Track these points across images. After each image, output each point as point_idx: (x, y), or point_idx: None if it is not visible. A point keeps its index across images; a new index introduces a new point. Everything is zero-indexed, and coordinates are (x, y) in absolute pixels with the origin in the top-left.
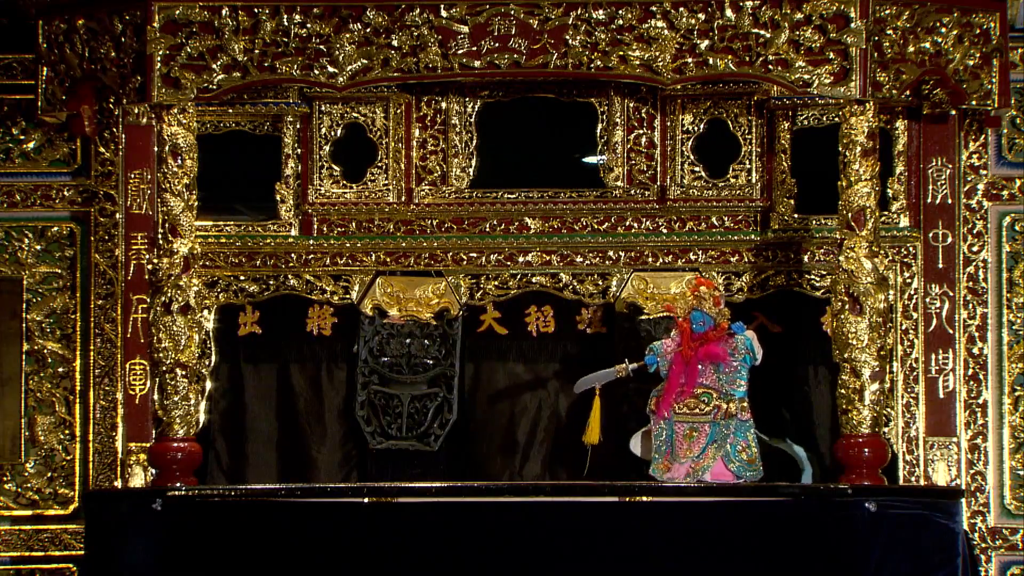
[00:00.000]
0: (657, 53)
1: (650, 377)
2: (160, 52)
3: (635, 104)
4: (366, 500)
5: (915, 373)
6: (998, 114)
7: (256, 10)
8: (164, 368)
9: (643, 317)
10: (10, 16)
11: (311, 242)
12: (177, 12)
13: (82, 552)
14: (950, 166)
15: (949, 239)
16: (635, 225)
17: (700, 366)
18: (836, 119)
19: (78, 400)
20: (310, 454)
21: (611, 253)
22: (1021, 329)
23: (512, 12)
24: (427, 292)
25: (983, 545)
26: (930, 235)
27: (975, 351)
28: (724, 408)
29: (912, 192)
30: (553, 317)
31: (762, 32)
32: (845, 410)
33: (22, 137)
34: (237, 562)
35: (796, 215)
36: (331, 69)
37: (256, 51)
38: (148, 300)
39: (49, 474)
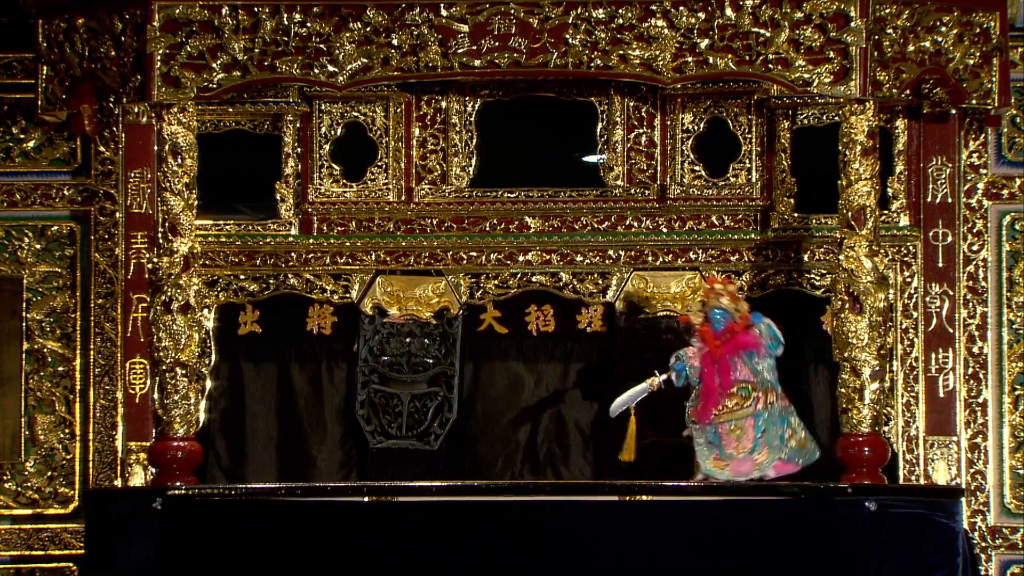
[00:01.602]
0: (657, 52)
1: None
2: (160, 51)
3: (635, 103)
4: (366, 499)
5: (915, 372)
6: (998, 113)
7: (256, 9)
8: (164, 367)
9: (643, 316)
10: (10, 15)
11: (311, 241)
12: (177, 11)
13: (82, 551)
14: (950, 165)
15: (949, 238)
16: (635, 224)
17: (731, 360)
18: (836, 118)
19: (78, 399)
20: (310, 453)
21: (611, 252)
22: (1021, 328)
23: (512, 11)
24: (427, 291)
25: (983, 544)
26: (930, 234)
27: (975, 350)
28: (764, 397)
29: (912, 191)
30: (553, 316)
31: (762, 31)
32: (845, 409)
33: (22, 136)
34: (237, 561)
35: (796, 214)
36: (331, 68)
37: (256, 50)
38: (148, 299)
39: (49, 473)
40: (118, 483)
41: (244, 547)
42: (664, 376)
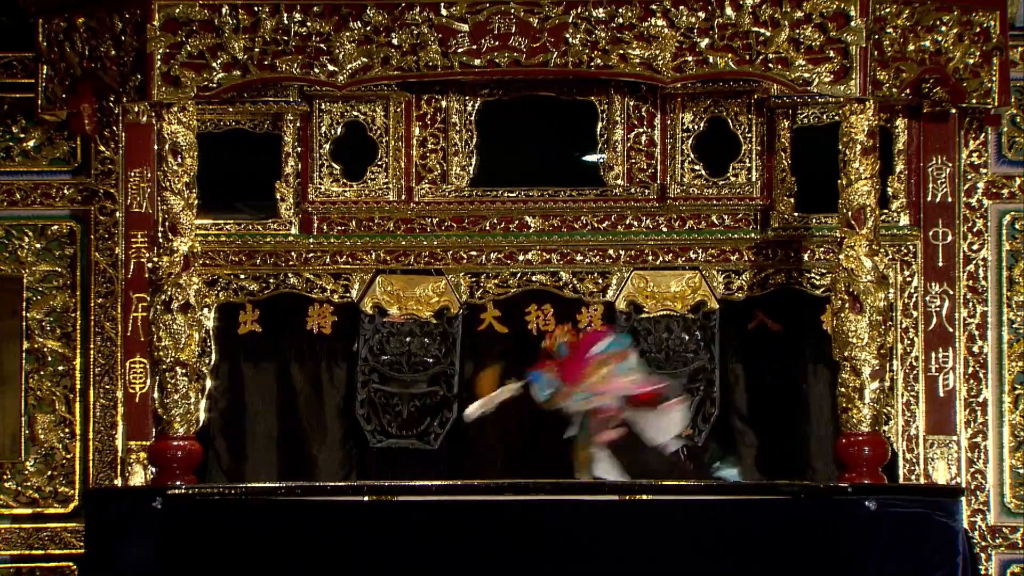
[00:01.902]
0: (657, 51)
1: None
2: (160, 50)
3: (635, 102)
4: (366, 499)
5: (915, 371)
6: (998, 112)
7: (256, 8)
8: (164, 366)
9: (643, 315)
10: (10, 15)
11: (311, 240)
12: (177, 10)
13: (82, 550)
14: (950, 164)
15: (949, 237)
16: (635, 223)
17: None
18: (836, 117)
19: (78, 398)
20: (310, 453)
21: (611, 251)
22: (1021, 327)
23: (512, 11)
24: (427, 291)
25: (983, 543)
26: (930, 233)
27: (975, 349)
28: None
29: (912, 190)
30: (553, 316)
31: (762, 30)
32: (845, 408)
33: (22, 135)
34: (237, 561)
35: (796, 213)
36: (331, 67)
37: (256, 49)
38: (148, 298)
39: (49, 472)
40: (118, 482)
41: (244, 547)
42: (520, 383)
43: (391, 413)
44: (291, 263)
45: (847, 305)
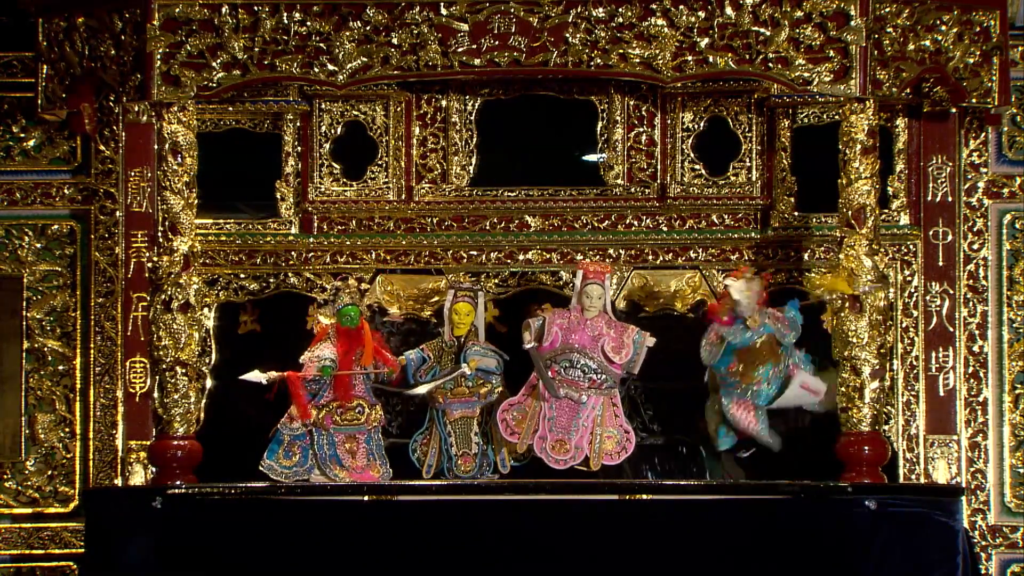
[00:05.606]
0: (657, 51)
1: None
2: (160, 50)
3: (635, 102)
4: (366, 498)
5: (915, 371)
6: (998, 112)
7: (256, 8)
8: (164, 366)
9: (643, 315)
10: (10, 14)
11: (311, 240)
12: (177, 10)
13: (82, 550)
14: (950, 164)
15: (949, 237)
16: (635, 223)
17: None
18: (836, 117)
19: (78, 398)
20: None
21: (611, 251)
22: (1021, 327)
23: (512, 10)
24: (427, 290)
25: (983, 543)
26: (930, 233)
27: (975, 349)
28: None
29: (912, 190)
30: None
31: (762, 30)
32: (845, 408)
33: (22, 135)
34: (237, 560)
35: (796, 213)
36: (331, 67)
37: (256, 49)
38: (148, 298)
39: (49, 472)
40: (118, 482)
41: (244, 546)
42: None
43: (391, 412)
44: (291, 263)
45: (847, 305)
